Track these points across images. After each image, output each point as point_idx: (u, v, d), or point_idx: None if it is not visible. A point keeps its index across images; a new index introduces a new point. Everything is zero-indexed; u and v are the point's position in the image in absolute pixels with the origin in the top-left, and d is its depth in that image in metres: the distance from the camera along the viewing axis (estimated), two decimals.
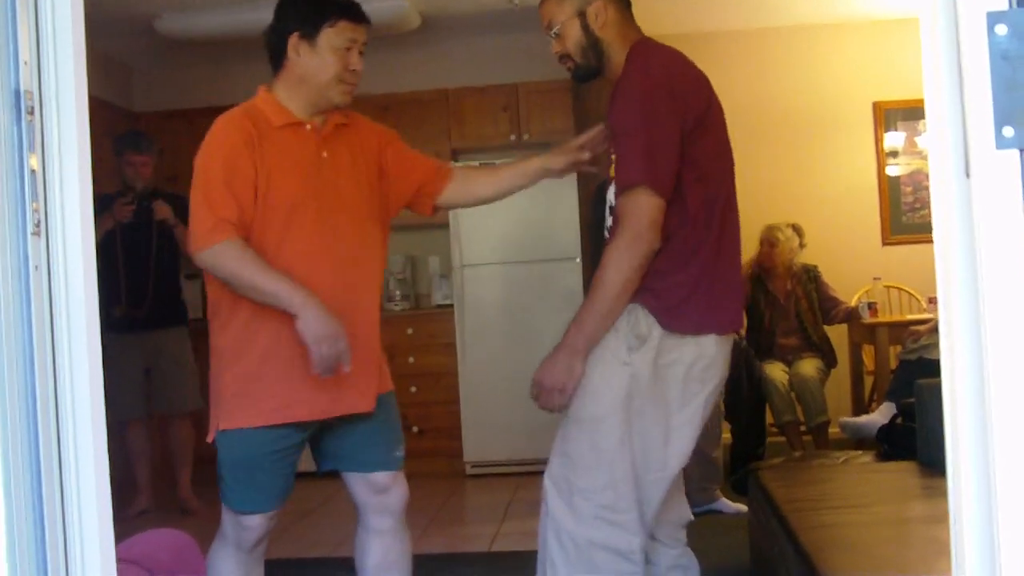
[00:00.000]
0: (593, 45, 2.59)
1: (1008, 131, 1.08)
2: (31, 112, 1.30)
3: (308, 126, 2.66)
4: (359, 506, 2.81)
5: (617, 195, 2.43)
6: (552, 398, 2.45)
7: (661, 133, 2.39)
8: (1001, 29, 1.07)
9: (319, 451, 2.79)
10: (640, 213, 2.37)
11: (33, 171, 1.30)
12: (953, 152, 1.15)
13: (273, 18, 2.67)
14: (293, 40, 2.61)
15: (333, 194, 2.64)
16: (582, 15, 2.57)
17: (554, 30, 2.62)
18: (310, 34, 2.59)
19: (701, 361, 2.48)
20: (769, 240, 5.95)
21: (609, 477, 2.43)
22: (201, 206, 2.52)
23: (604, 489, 2.43)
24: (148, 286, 5.35)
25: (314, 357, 2.44)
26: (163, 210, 5.24)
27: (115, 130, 6.21)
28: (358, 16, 2.65)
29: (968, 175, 1.13)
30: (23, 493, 1.33)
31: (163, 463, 5.95)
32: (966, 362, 1.14)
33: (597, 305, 2.42)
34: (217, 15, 5.97)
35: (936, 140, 1.17)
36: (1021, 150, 1.09)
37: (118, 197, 5.30)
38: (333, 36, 2.60)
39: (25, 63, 1.30)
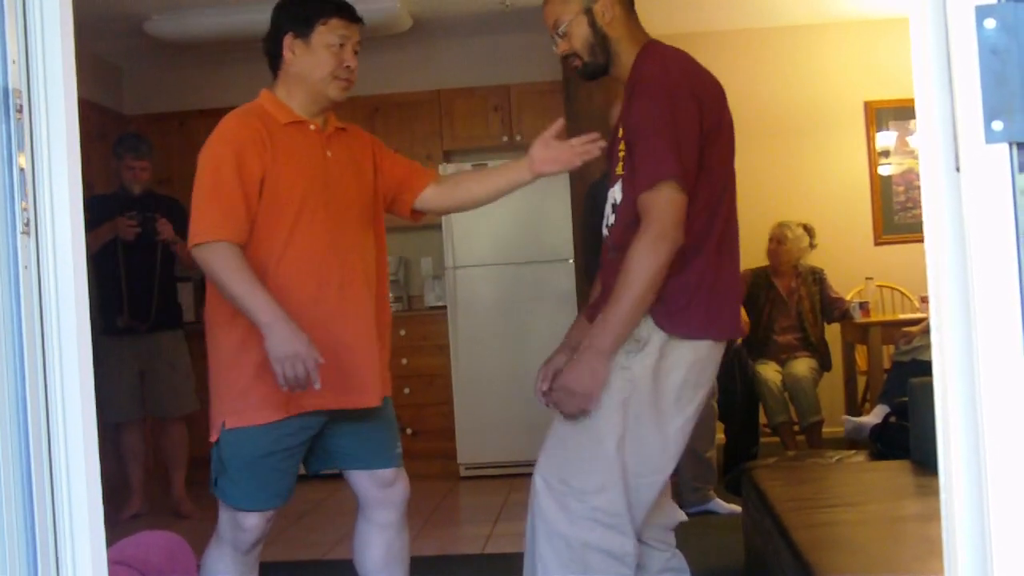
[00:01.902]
0: (601, 42, 2.58)
1: (997, 125, 1.08)
2: (19, 111, 1.30)
3: (311, 125, 2.72)
4: (363, 501, 2.85)
5: (641, 191, 2.38)
6: (577, 403, 2.41)
7: (686, 130, 2.39)
8: (990, 23, 1.08)
9: (320, 451, 2.80)
10: (668, 209, 2.35)
11: (22, 170, 1.29)
12: (943, 147, 1.15)
13: (270, 24, 2.74)
14: (288, 40, 2.68)
15: (339, 193, 2.70)
16: (589, 12, 2.57)
17: (560, 29, 2.61)
18: (304, 33, 2.67)
19: (698, 365, 2.47)
20: (777, 237, 5.95)
21: (604, 479, 2.43)
22: (207, 200, 2.55)
23: (599, 491, 2.43)
24: (151, 300, 5.35)
25: (278, 376, 2.46)
26: (167, 230, 5.23)
27: (106, 132, 6.20)
28: (350, 15, 2.74)
29: (958, 169, 1.13)
30: (13, 492, 1.32)
31: (157, 466, 5.94)
32: (956, 355, 1.14)
33: (624, 304, 2.37)
34: (207, 17, 5.96)
35: (926, 135, 1.17)
36: (1010, 144, 1.09)
37: (115, 199, 5.30)
38: (326, 34, 2.67)
39: (13, 62, 1.29)
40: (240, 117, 2.67)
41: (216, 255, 2.51)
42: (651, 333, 2.43)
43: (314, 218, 2.64)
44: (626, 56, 2.57)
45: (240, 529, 2.65)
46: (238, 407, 2.60)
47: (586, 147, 2.73)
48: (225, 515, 2.69)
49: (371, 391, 2.70)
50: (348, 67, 2.70)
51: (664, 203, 2.35)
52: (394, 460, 2.84)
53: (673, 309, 2.43)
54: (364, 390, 2.69)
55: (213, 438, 2.65)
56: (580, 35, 2.59)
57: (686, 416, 2.48)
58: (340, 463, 2.82)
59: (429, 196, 2.91)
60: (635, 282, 2.35)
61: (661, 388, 2.44)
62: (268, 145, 2.61)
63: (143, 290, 5.33)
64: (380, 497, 2.83)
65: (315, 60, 2.67)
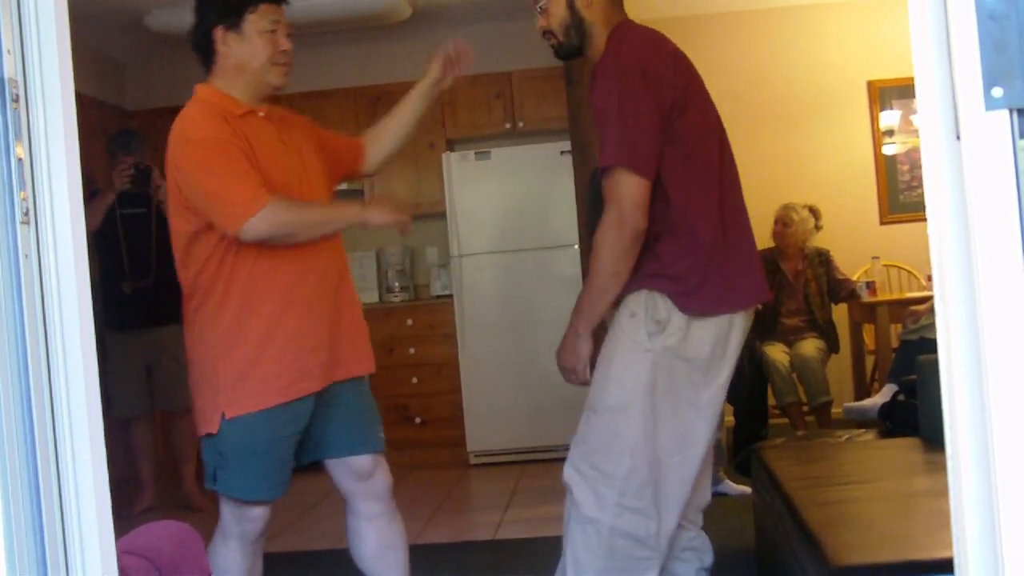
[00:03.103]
0: (577, 24, 2.60)
1: (997, 92, 1.08)
2: (16, 100, 1.30)
3: (261, 113, 2.70)
4: (345, 494, 2.84)
5: (602, 178, 2.46)
6: (570, 376, 2.56)
7: (637, 114, 2.41)
8: None
9: (300, 445, 2.78)
10: (622, 194, 2.40)
11: (20, 159, 1.29)
12: (943, 115, 1.14)
13: (194, 16, 2.70)
14: (219, 33, 2.64)
15: (303, 177, 2.70)
16: None
17: (540, 4, 2.63)
18: (234, 23, 2.63)
19: (723, 338, 2.51)
20: (783, 220, 5.93)
21: (632, 465, 2.47)
22: (228, 184, 2.53)
23: (626, 477, 2.47)
24: (150, 257, 5.32)
25: (399, 227, 2.68)
26: (162, 183, 5.21)
27: (108, 128, 6.19)
28: None
29: (958, 137, 1.12)
30: (20, 484, 1.32)
31: (167, 460, 5.96)
32: (961, 324, 1.13)
33: (592, 289, 2.49)
34: None
35: (926, 104, 1.17)
36: (1011, 110, 1.08)
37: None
38: (257, 20, 2.63)
39: (8, 51, 1.29)
40: (204, 111, 2.63)
41: (275, 213, 2.52)
42: (671, 313, 2.46)
43: None
44: (599, 40, 2.59)
45: (247, 520, 2.65)
46: (236, 396, 2.58)
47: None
48: (228, 508, 2.67)
49: (363, 359, 2.77)
50: (284, 51, 2.67)
51: (618, 188, 2.40)
52: (372, 445, 2.80)
53: (689, 288, 2.46)
54: (358, 359, 2.75)
55: (207, 431, 2.63)
56: (557, 14, 2.61)
57: (719, 383, 2.54)
58: (321, 452, 2.79)
59: (370, 156, 2.99)
60: (599, 268, 2.46)
61: (689, 364, 2.48)
62: (241, 135, 2.59)
63: (142, 248, 5.30)
64: (361, 489, 2.81)
65: (251, 49, 2.63)
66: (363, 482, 2.80)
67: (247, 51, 2.63)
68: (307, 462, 2.82)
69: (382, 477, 2.83)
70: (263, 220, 2.50)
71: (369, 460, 2.79)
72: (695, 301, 2.46)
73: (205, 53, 2.69)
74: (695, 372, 2.48)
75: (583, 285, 2.55)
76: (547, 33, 2.66)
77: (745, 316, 2.58)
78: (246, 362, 2.59)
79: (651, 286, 2.48)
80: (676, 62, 2.53)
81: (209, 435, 2.63)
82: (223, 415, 2.60)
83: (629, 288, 2.52)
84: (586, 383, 2.56)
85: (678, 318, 2.46)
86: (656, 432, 2.47)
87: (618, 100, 2.42)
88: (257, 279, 2.58)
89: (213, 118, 2.59)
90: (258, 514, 2.66)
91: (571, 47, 2.65)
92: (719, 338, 2.50)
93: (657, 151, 2.42)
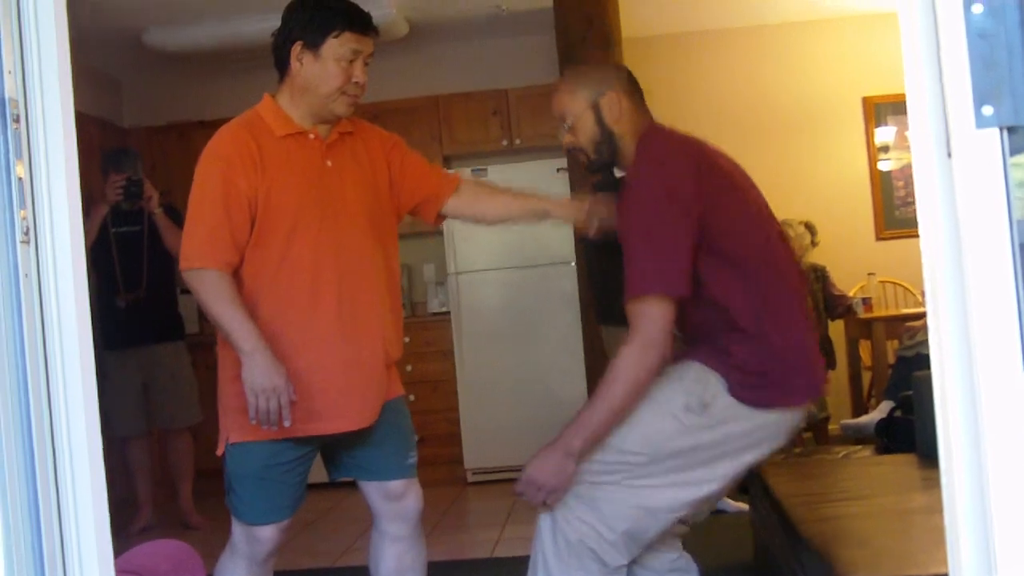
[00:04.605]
0: (607, 139, 2.54)
1: (987, 110, 1.09)
2: (16, 120, 1.31)
3: (311, 135, 2.61)
4: (374, 512, 2.80)
5: (628, 297, 2.36)
6: (537, 495, 2.42)
7: (666, 234, 2.34)
8: (977, 8, 1.08)
9: (332, 462, 2.77)
10: (651, 320, 2.33)
11: (20, 179, 1.30)
12: (934, 133, 1.15)
13: (280, 23, 2.61)
14: (296, 49, 2.55)
15: (338, 204, 2.60)
16: (595, 107, 2.52)
17: (567, 122, 2.57)
18: (314, 44, 2.53)
19: (761, 431, 2.45)
20: None
21: (633, 509, 2.43)
22: (196, 224, 2.51)
23: (623, 519, 2.43)
24: (142, 268, 5.33)
25: (250, 407, 2.44)
26: (154, 195, 5.21)
27: (106, 145, 6.20)
28: (365, 27, 2.59)
29: (950, 155, 1.13)
30: (19, 503, 1.33)
31: (164, 478, 5.95)
32: (953, 341, 1.14)
33: (602, 410, 2.37)
34: (204, 28, 5.97)
35: (917, 122, 1.18)
36: (1001, 128, 1.09)
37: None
38: (337, 47, 2.53)
39: (9, 72, 1.30)
40: (232, 132, 2.56)
41: (201, 282, 2.48)
42: (718, 398, 2.41)
43: (308, 234, 2.55)
44: (628, 150, 2.53)
45: (256, 541, 2.63)
46: (240, 422, 2.56)
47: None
48: (238, 528, 2.66)
49: (363, 413, 2.63)
50: (357, 83, 2.57)
51: (646, 314, 2.33)
52: (404, 471, 2.75)
53: (751, 383, 2.40)
54: (355, 413, 2.62)
55: (219, 452, 2.63)
56: (586, 131, 2.55)
57: (745, 460, 2.47)
58: (352, 472, 2.77)
59: (453, 206, 2.86)
60: (614, 392, 2.36)
61: (716, 445, 2.42)
62: (258, 162, 2.51)
63: (134, 260, 5.31)
64: (390, 510, 2.76)
65: (324, 73, 2.53)
66: (393, 503, 2.76)
67: (319, 74, 2.53)
68: (339, 479, 2.81)
69: (413, 500, 2.77)
70: (193, 277, 2.49)
71: (401, 484, 2.75)
72: (750, 393, 2.40)
73: (279, 61, 2.60)
74: (719, 452, 2.43)
75: (590, 401, 2.41)
76: (576, 150, 2.60)
77: (792, 415, 2.49)
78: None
79: (711, 364, 2.42)
80: (702, 168, 2.44)
81: (222, 456, 2.63)
82: (228, 439, 2.59)
83: (682, 357, 2.47)
84: (546, 508, 2.46)
85: (724, 403, 2.40)
86: (664, 490, 2.43)
87: (645, 225, 2.35)
88: (270, 311, 2.53)
89: (233, 144, 2.53)
90: (267, 536, 2.62)
91: (602, 162, 2.59)
92: (755, 429, 2.43)
93: (689, 267, 2.34)
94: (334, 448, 2.73)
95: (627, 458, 2.42)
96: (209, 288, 2.47)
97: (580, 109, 2.54)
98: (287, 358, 2.50)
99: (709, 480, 2.46)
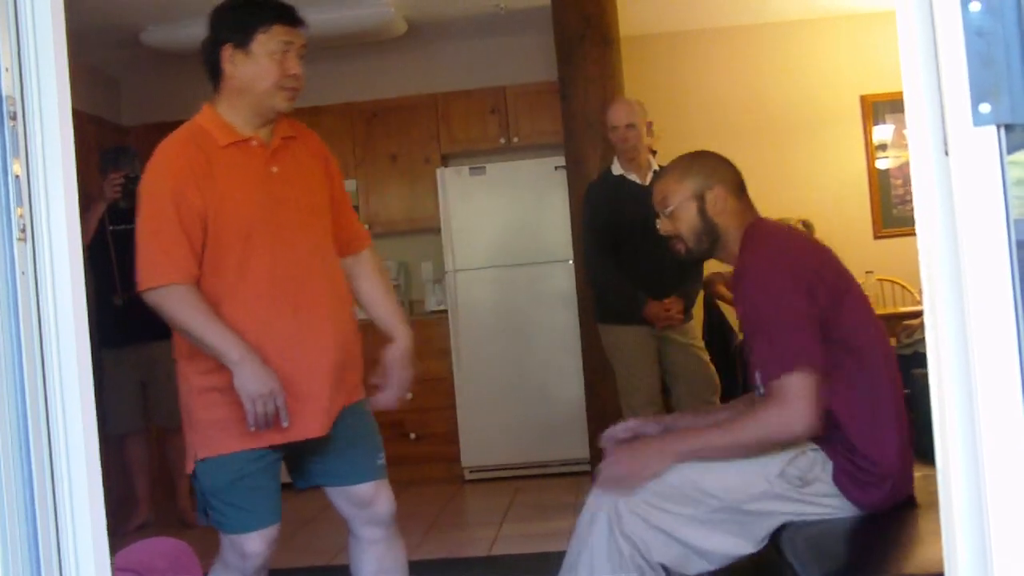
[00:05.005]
0: (709, 230, 2.54)
1: (985, 107, 1.09)
2: (13, 117, 1.31)
3: (254, 141, 2.58)
4: (346, 519, 2.77)
5: (770, 380, 2.37)
6: (617, 482, 2.45)
7: (796, 316, 2.36)
8: (975, 5, 1.08)
9: (296, 470, 2.75)
10: (800, 395, 2.32)
11: (17, 177, 1.30)
12: (931, 131, 1.15)
13: (207, 31, 2.59)
14: (227, 52, 2.53)
15: (288, 210, 2.58)
16: (700, 198, 2.53)
17: (668, 209, 2.56)
18: (243, 43, 2.52)
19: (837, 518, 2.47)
20: None
21: (680, 545, 2.45)
22: (150, 242, 2.48)
23: (663, 551, 2.45)
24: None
25: (248, 414, 2.43)
26: None
27: (105, 144, 6.20)
28: (292, 19, 2.57)
29: (947, 153, 1.13)
30: (15, 500, 1.33)
31: (161, 476, 5.95)
32: (951, 338, 1.14)
33: (716, 446, 2.41)
34: (202, 26, 5.94)
35: (915, 119, 1.18)
36: (998, 126, 1.09)
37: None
38: (267, 41, 2.51)
39: (7, 69, 1.30)
40: (178, 145, 2.52)
41: (168, 299, 2.45)
42: (819, 482, 2.42)
43: (262, 243, 2.52)
44: (732, 242, 2.54)
45: (244, 554, 2.57)
46: (206, 438, 2.55)
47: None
48: (226, 542, 2.61)
49: (318, 422, 2.59)
50: (294, 75, 2.54)
51: (794, 390, 2.32)
52: (371, 473, 2.71)
53: (862, 481, 2.41)
54: (311, 420, 2.58)
55: (188, 470, 2.60)
56: (687, 220, 2.54)
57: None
58: (318, 480, 2.73)
59: (347, 263, 2.80)
60: (736, 442, 2.39)
61: (791, 515, 2.45)
62: (207, 174, 2.49)
63: (131, 259, 5.31)
64: (361, 515, 2.73)
65: (258, 70, 2.51)
66: (363, 509, 2.73)
67: (253, 72, 2.52)
68: (304, 487, 2.77)
69: (384, 503, 2.74)
70: (157, 296, 2.46)
71: (370, 488, 2.71)
72: (854, 489, 2.42)
73: (213, 70, 2.58)
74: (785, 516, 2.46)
75: (714, 431, 2.46)
76: (674, 238, 2.59)
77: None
78: (216, 404, 2.53)
79: (829, 449, 2.42)
80: (822, 257, 2.50)
81: (193, 474, 2.60)
82: (196, 455, 2.57)
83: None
84: (619, 493, 2.46)
85: (825, 487, 2.42)
86: (718, 537, 2.45)
87: (778, 305, 2.37)
88: (231, 317, 2.50)
89: (181, 158, 2.50)
90: (254, 547, 2.57)
91: (701, 252, 2.59)
92: (841, 508, 2.46)
93: (819, 343, 2.35)
94: (298, 456, 2.70)
95: (700, 497, 2.43)
96: (180, 304, 2.46)
97: (683, 196, 2.54)
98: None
99: (762, 541, 2.48)
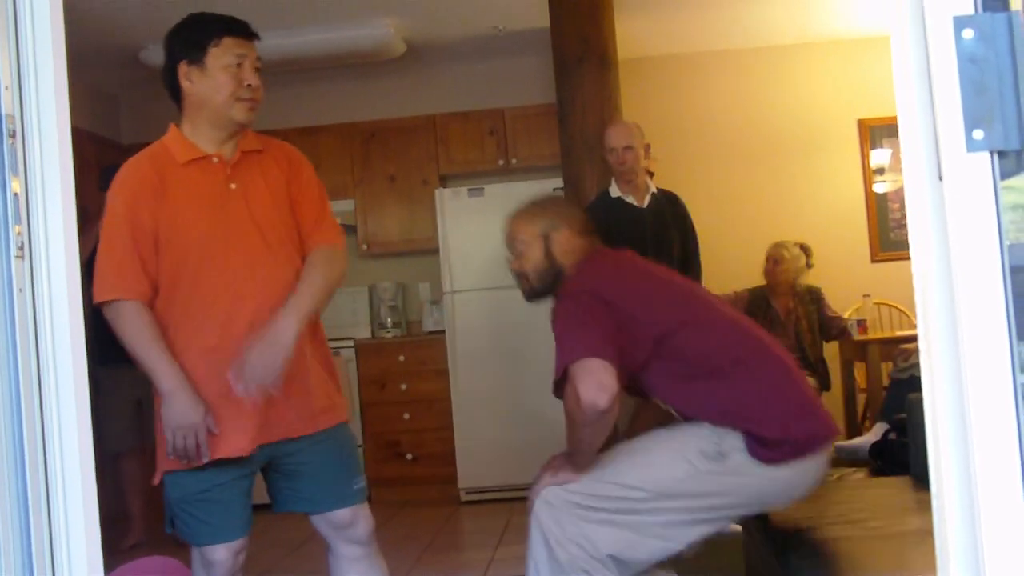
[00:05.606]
0: (553, 270, 2.65)
1: (978, 134, 1.10)
2: (12, 136, 1.31)
3: (215, 158, 2.59)
4: (326, 539, 2.76)
5: (559, 374, 2.49)
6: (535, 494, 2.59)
7: (584, 319, 2.46)
8: (968, 33, 1.09)
9: (274, 494, 2.74)
10: (581, 376, 2.39)
11: (15, 194, 1.30)
12: (925, 156, 1.16)
13: (164, 55, 2.62)
14: (183, 69, 2.56)
15: (245, 227, 2.57)
16: (547, 238, 2.63)
17: (516, 246, 2.66)
18: (197, 58, 2.54)
19: (777, 483, 2.52)
20: (774, 257, 5.94)
21: (622, 539, 2.48)
22: (105, 258, 2.51)
23: (609, 545, 2.48)
24: None
25: (167, 443, 2.46)
26: None
27: (104, 162, 6.21)
28: (244, 32, 2.60)
29: (940, 178, 1.14)
30: (10, 518, 1.32)
31: (156, 495, 5.92)
32: (944, 363, 1.15)
33: (571, 439, 2.56)
34: None
35: (909, 145, 1.19)
36: (991, 152, 1.10)
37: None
38: (220, 55, 2.54)
39: (6, 88, 1.31)
40: (134, 164, 2.57)
41: (119, 315, 2.48)
42: (734, 452, 2.47)
43: (215, 261, 2.52)
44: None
45: (210, 565, 2.57)
46: (165, 453, 2.54)
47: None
48: (194, 554, 2.62)
49: (294, 424, 2.59)
50: (249, 86, 2.56)
51: (578, 373, 2.40)
52: (348, 499, 2.70)
53: (769, 441, 2.46)
54: (285, 425, 2.58)
55: (155, 482, 2.61)
56: (534, 259, 2.65)
57: (730, 516, 2.60)
58: (295, 506, 2.71)
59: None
60: (570, 434, 2.54)
61: (725, 492, 2.50)
62: (159, 192, 2.51)
63: None
64: (341, 536, 2.72)
65: (213, 84, 2.54)
66: (342, 531, 2.72)
67: (209, 86, 2.54)
68: (282, 512, 2.75)
69: (363, 524, 2.73)
70: (110, 311, 2.49)
71: (348, 512, 2.70)
72: (763, 450, 2.46)
73: (173, 91, 2.61)
74: (731, 497, 2.50)
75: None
76: (520, 276, 2.69)
77: (809, 466, 2.57)
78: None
79: (735, 424, 2.48)
80: (629, 287, 2.61)
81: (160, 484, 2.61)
82: (164, 468, 2.58)
83: (702, 416, 2.53)
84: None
85: (740, 457, 2.46)
86: (661, 527, 2.48)
87: (567, 317, 2.49)
88: (180, 341, 2.52)
89: (134, 177, 2.54)
90: (220, 558, 2.56)
91: (544, 291, 2.69)
92: (774, 480, 2.51)
93: (608, 344, 2.43)
94: (275, 481, 2.69)
95: (626, 493, 2.45)
96: (127, 323, 2.49)
97: (531, 235, 2.64)
98: (200, 387, 2.49)
99: (710, 522, 2.51)
